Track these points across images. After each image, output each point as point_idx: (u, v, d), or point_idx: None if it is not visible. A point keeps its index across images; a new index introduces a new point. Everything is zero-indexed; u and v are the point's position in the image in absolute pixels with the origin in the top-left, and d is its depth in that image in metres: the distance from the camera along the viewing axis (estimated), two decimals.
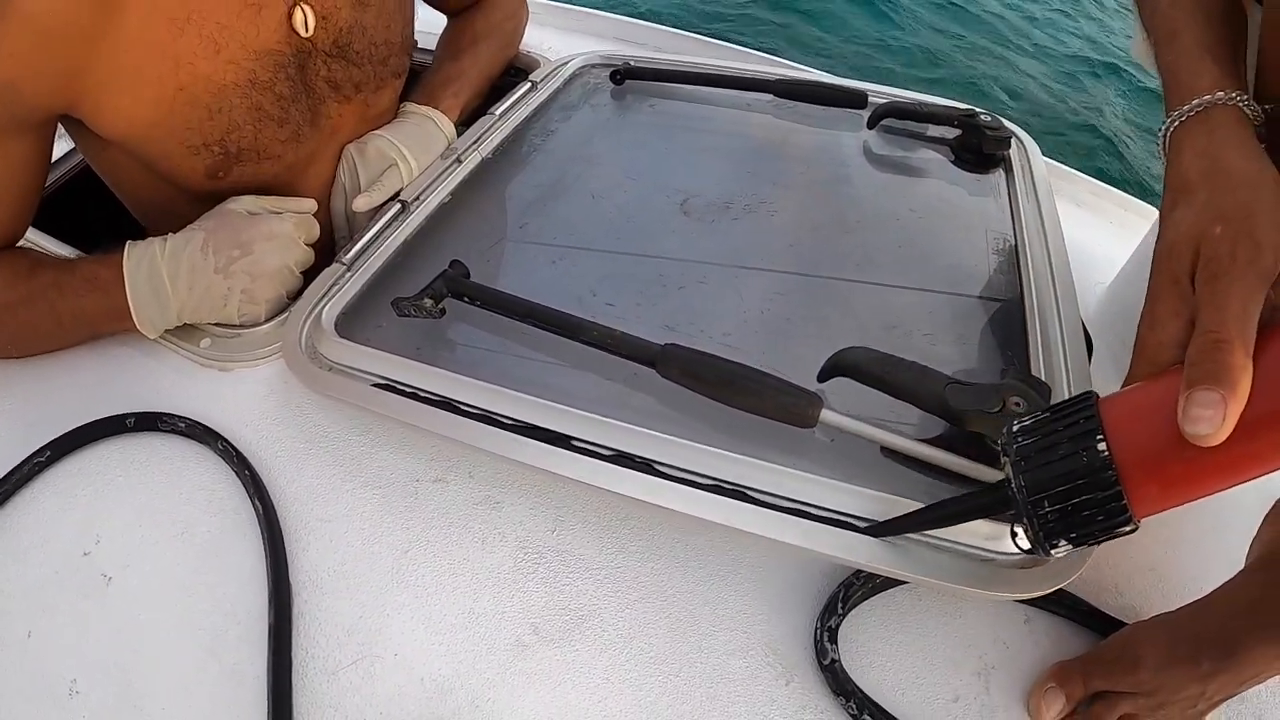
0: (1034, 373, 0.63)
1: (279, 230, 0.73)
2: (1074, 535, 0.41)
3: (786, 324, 0.70)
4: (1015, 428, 0.44)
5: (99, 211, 0.95)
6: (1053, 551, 0.42)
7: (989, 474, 0.54)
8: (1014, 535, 0.45)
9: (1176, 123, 0.52)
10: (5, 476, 0.63)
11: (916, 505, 0.52)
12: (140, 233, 0.84)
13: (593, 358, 0.64)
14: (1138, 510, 0.40)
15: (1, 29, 0.60)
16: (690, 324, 0.69)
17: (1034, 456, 0.42)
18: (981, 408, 0.54)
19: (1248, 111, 0.50)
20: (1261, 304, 0.40)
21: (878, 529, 0.52)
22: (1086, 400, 0.42)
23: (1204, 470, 0.39)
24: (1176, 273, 0.45)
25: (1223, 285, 0.41)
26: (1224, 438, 0.37)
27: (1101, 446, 0.40)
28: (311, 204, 0.79)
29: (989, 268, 0.77)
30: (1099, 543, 0.42)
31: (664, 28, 1.27)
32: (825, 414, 0.56)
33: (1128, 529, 0.41)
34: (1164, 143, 0.53)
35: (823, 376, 0.59)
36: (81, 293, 0.70)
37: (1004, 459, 0.44)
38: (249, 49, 0.72)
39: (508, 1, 1.05)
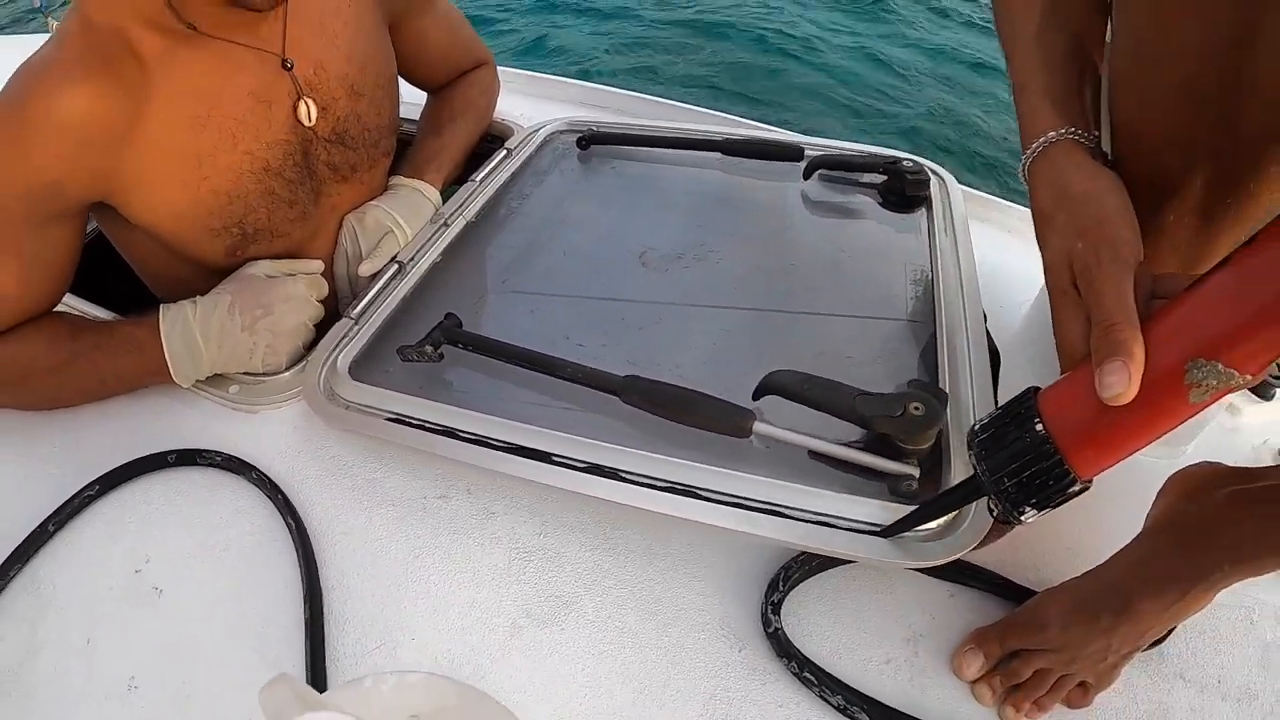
0: (942, 384, 0.74)
1: (295, 292, 0.84)
2: (1034, 501, 0.49)
3: (729, 354, 0.81)
4: (976, 426, 0.53)
5: (108, 268, 1.04)
6: (1022, 518, 0.50)
7: (895, 467, 0.65)
8: (991, 511, 0.53)
9: (1028, 161, 0.63)
10: (59, 508, 0.72)
11: (836, 495, 0.63)
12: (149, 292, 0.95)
13: (567, 389, 0.75)
14: (1082, 472, 0.47)
15: (46, 135, 0.71)
16: (648, 358, 0.80)
17: (990, 445, 0.50)
18: (886, 413, 0.65)
19: (1081, 140, 0.60)
20: (1132, 286, 0.49)
21: (886, 531, 0.61)
22: (1026, 394, 0.51)
23: (1127, 429, 0.46)
24: (1063, 286, 0.54)
25: (1097, 284, 0.50)
26: (1133, 395, 0.44)
27: (1039, 427, 0.48)
28: (319, 264, 0.90)
29: (908, 296, 0.88)
30: (1058, 504, 0.49)
31: (624, 91, 1.39)
32: (758, 426, 0.67)
33: (1077, 488, 0.48)
34: (1024, 178, 0.63)
35: (756, 395, 0.70)
36: (121, 353, 0.80)
37: (969, 453, 0.52)
38: (262, 140, 0.83)
39: (481, 78, 1.17)
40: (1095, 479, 0.49)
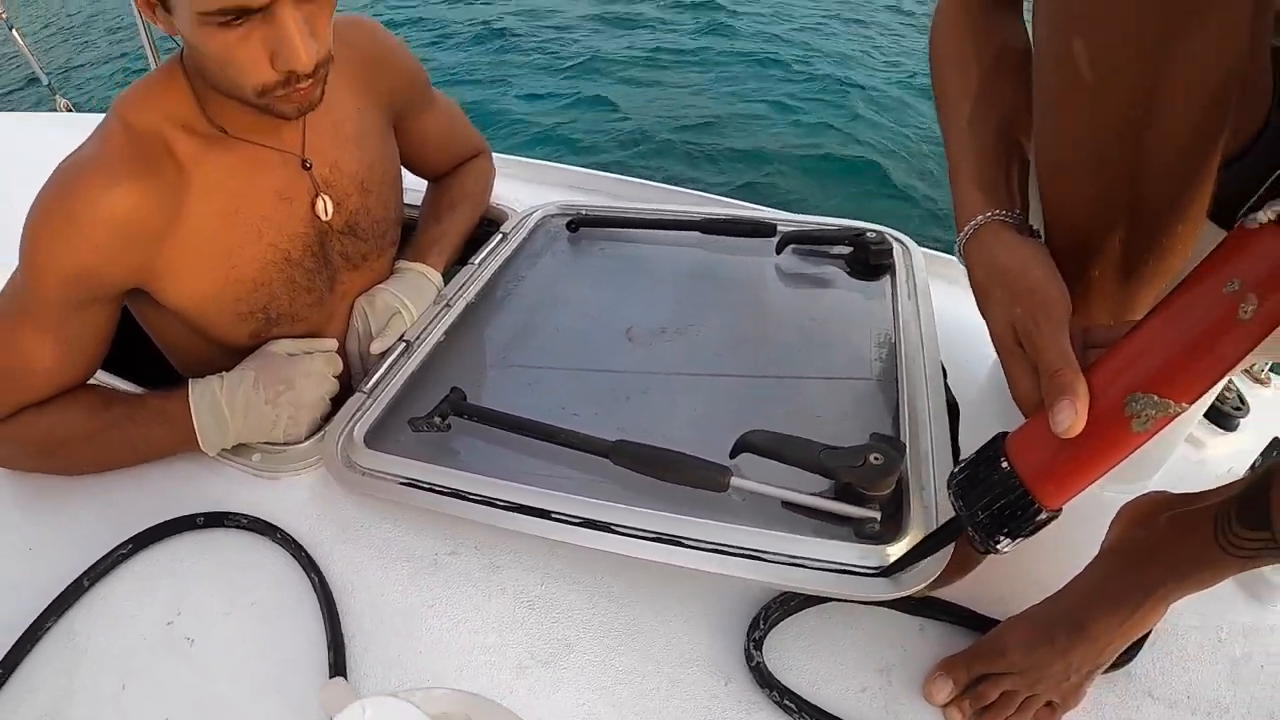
0: (902, 437, 0.81)
1: (314, 369, 0.92)
2: (1007, 530, 0.56)
3: (709, 417, 0.89)
4: (955, 469, 0.61)
5: (134, 345, 1.09)
6: (998, 547, 0.56)
7: (858, 511, 0.72)
8: (971, 541, 0.59)
9: (962, 242, 0.71)
10: (93, 565, 0.79)
11: (807, 539, 0.70)
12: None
13: (564, 454, 0.82)
14: (1046, 502, 0.54)
15: (92, 229, 0.79)
16: (635, 424, 0.87)
17: (966, 485, 0.58)
18: (849, 464, 0.73)
19: (1007, 220, 0.68)
20: (1068, 338, 0.56)
21: (888, 570, 0.68)
22: (995, 439, 0.58)
23: (1082, 462, 0.53)
24: (1010, 348, 0.62)
25: (1039, 342, 0.58)
26: (1081, 427, 0.51)
27: (1004, 464, 0.56)
28: (334, 343, 0.99)
29: (872, 358, 0.96)
30: (1030, 533, 0.56)
31: (610, 175, 1.48)
32: (735, 480, 0.75)
33: (1044, 517, 0.55)
34: (960, 257, 0.71)
35: (733, 454, 0.78)
36: (153, 423, 0.87)
37: (949, 492, 0.60)
38: (284, 233, 0.92)
39: (477, 166, 1.27)
40: (1064, 513, 0.55)
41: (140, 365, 1.07)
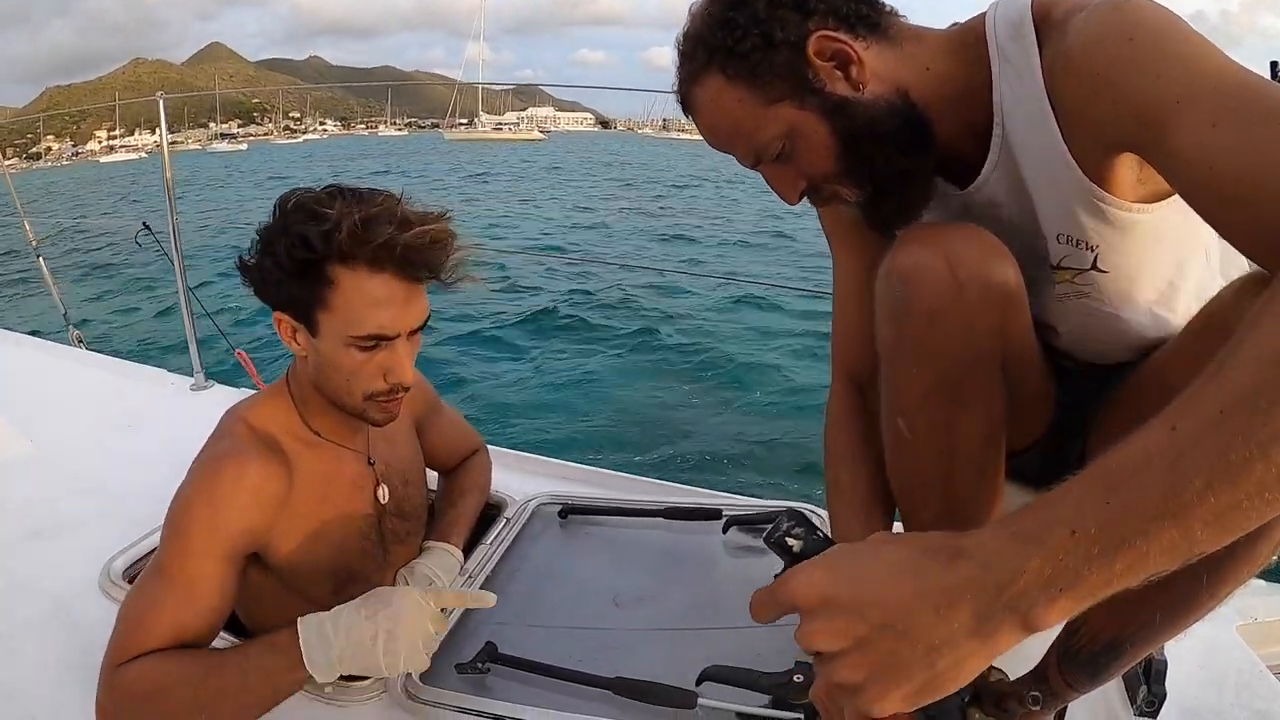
0: None
1: (412, 595, 1.08)
2: None
3: (678, 657, 1.17)
4: None
5: None
6: None
7: (789, 716, 1.01)
8: None
9: None
10: None
11: None
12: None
13: (576, 688, 1.10)
14: None
15: (235, 492, 1.05)
16: (625, 666, 1.15)
17: None
18: (779, 683, 1.03)
19: None
20: None
21: None
22: None
23: None
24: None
25: None
26: None
27: None
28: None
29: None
30: None
31: (592, 468, 1.85)
32: (700, 700, 1.05)
33: None
34: None
35: (698, 682, 1.07)
36: (264, 654, 1.03)
37: None
38: (359, 513, 1.23)
39: (479, 461, 1.61)
40: None
41: None
